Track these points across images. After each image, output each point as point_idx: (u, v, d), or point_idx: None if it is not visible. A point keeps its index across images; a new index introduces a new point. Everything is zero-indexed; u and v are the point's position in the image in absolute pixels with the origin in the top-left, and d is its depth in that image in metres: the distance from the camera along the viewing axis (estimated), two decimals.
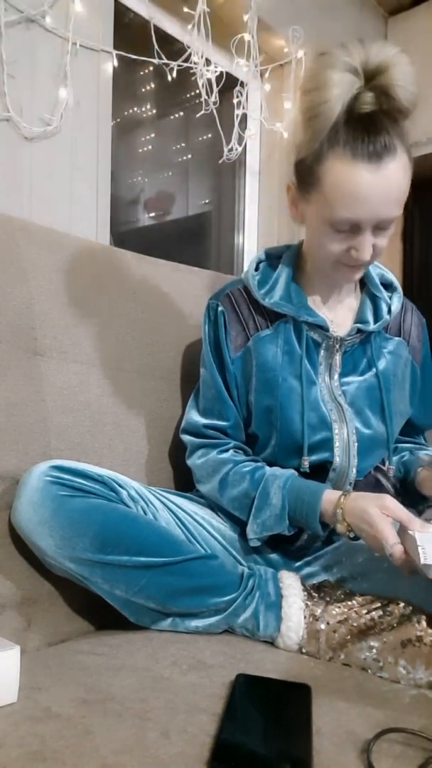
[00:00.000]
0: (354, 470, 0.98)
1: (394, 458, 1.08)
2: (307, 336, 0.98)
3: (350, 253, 0.88)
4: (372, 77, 0.81)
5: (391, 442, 1.01)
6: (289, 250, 1.04)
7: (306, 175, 0.88)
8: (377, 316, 1.01)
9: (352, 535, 0.84)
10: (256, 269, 1.03)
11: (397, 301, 1.02)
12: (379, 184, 0.82)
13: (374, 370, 1.00)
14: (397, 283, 1.05)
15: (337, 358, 0.99)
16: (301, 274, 1.02)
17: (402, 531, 0.77)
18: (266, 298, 0.98)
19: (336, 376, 0.99)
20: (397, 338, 1.04)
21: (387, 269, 1.08)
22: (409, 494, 1.04)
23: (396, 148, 0.82)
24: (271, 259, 1.05)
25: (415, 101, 0.82)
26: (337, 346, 0.98)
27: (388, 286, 1.05)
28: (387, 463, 1.02)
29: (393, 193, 0.83)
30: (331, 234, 0.87)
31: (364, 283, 1.03)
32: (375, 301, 1.02)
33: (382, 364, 1.01)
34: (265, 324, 1.00)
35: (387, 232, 0.88)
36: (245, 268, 1.06)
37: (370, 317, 1.00)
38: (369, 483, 1.02)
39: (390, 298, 1.03)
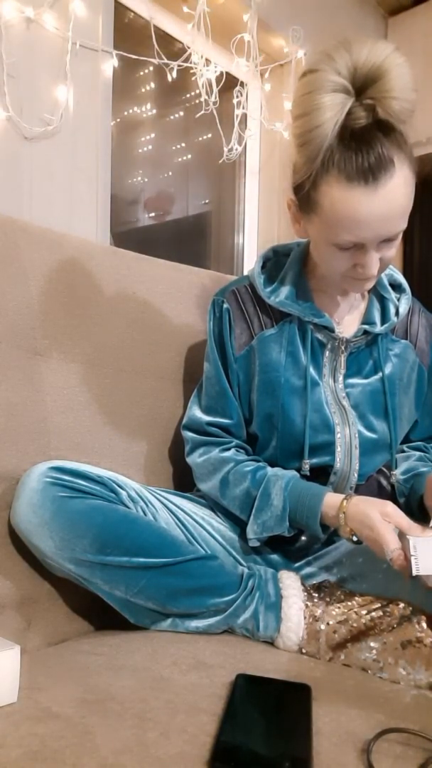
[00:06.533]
0: (355, 474, 0.98)
1: (403, 464, 1.05)
2: (312, 337, 0.97)
3: (357, 269, 0.86)
4: (363, 89, 0.76)
5: (395, 447, 1.00)
6: (297, 248, 1.02)
7: (305, 199, 0.85)
8: (384, 318, 0.99)
9: (355, 539, 0.84)
10: (264, 267, 1.02)
11: (405, 303, 1.01)
12: (379, 205, 0.78)
13: (380, 373, 0.99)
14: (406, 285, 1.03)
15: (342, 359, 0.98)
16: (308, 273, 1.00)
17: (403, 535, 0.78)
18: (272, 297, 0.97)
19: (340, 378, 0.98)
20: (403, 341, 1.03)
21: (396, 270, 1.06)
22: (411, 514, 1.00)
23: (393, 162, 0.77)
24: (279, 256, 1.04)
25: (413, 107, 0.78)
26: (343, 347, 0.97)
27: (397, 288, 1.03)
28: (391, 468, 1.01)
29: (395, 212, 0.80)
30: (336, 253, 0.85)
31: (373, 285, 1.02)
32: (383, 302, 1.01)
33: (388, 368, 0.99)
34: (270, 323, 0.99)
35: (394, 243, 0.85)
36: (250, 266, 1.04)
37: (377, 319, 0.99)
38: (371, 487, 1.01)
39: (398, 299, 1.01)
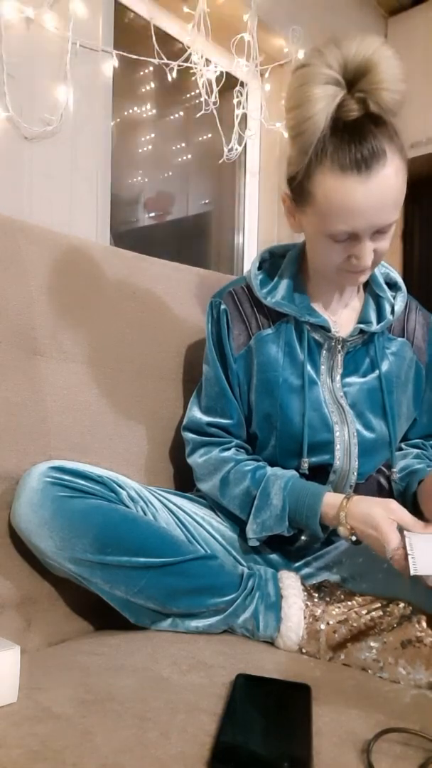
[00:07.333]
0: (354, 474, 0.98)
1: (400, 462, 1.05)
2: (309, 336, 0.97)
3: (351, 260, 0.87)
4: (354, 82, 0.78)
5: (394, 445, 1.00)
6: (293, 249, 1.03)
7: (298, 191, 0.86)
8: (380, 317, 0.99)
9: (353, 538, 0.84)
10: (260, 268, 1.02)
11: (401, 301, 1.01)
12: (372, 194, 0.80)
13: (377, 371, 0.99)
14: (401, 283, 1.03)
15: (339, 358, 0.98)
16: (304, 273, 1.00)
17: (403, 534, 0.78)
18: (268, 298, 0.98)
19: (338, 377, 0.98)
20: (400, 339, 1.03)
21: (392, 268, 1.06)
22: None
23: (385, 153, 0.79)
24: (275, 257, 1.04)
25: (403, 99, 0.79)
26: (339, 346, 0.98)
27: (393, 286, 1.03)
28: (391, 467, 1.01)
29: (387, 200, 0.81)
30: (330, 244, 0.86)
31: (368, 283, 1.02)
32: (378, 301, 1.01)
33: (385, 366, 1.00)
34: (267, 323, 0.99)
35: (387, 234, 0.86)
36: (247, 267, 1.05)
37: (373, 317, 0.99)
38: (370, 486, 1.01)
39: (394, 297, 1.02)
